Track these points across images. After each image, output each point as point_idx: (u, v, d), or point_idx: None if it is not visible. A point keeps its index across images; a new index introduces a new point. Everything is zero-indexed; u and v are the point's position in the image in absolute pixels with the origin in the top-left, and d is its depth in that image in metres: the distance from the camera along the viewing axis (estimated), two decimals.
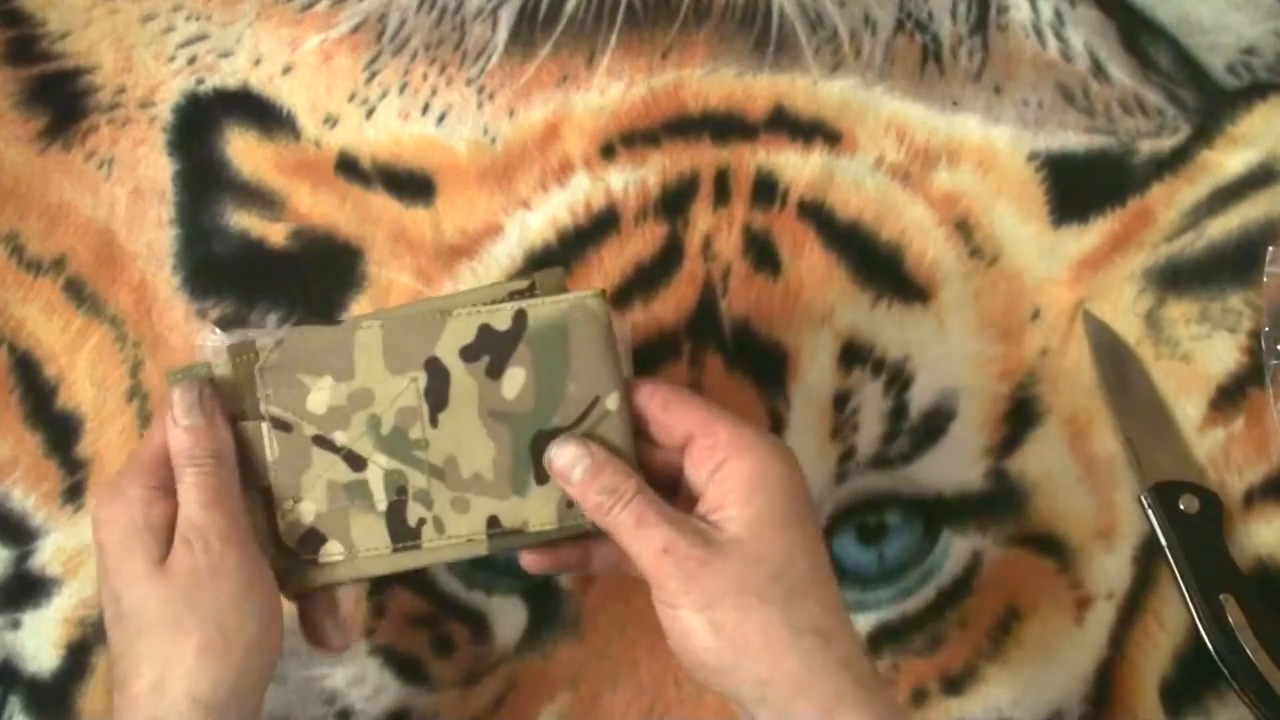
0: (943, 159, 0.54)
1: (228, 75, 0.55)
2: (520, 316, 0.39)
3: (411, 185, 0.54)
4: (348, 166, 0.54)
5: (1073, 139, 0.54)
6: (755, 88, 0.55)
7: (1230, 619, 0.48)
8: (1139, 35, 0.55)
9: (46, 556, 0.50)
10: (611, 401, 0.40)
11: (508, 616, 0.50)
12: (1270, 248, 0.52)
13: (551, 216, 0.53)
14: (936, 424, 0.51)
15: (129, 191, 0.54)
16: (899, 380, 0.51)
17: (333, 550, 0.41)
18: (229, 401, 0.41)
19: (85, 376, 0.52)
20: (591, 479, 0.39)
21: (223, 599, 0.38)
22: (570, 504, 0.40)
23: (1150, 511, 0.50)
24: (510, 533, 0.40)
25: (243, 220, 0.54)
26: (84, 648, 0.49)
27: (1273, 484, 0.51)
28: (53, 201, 0.54)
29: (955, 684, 0.49)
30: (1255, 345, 0.52)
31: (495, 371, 0.40)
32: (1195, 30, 0.55)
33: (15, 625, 0.50)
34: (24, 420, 0.51)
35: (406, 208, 0.54)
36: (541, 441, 0.40)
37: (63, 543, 0.50)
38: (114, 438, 0.51)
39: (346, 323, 0.40)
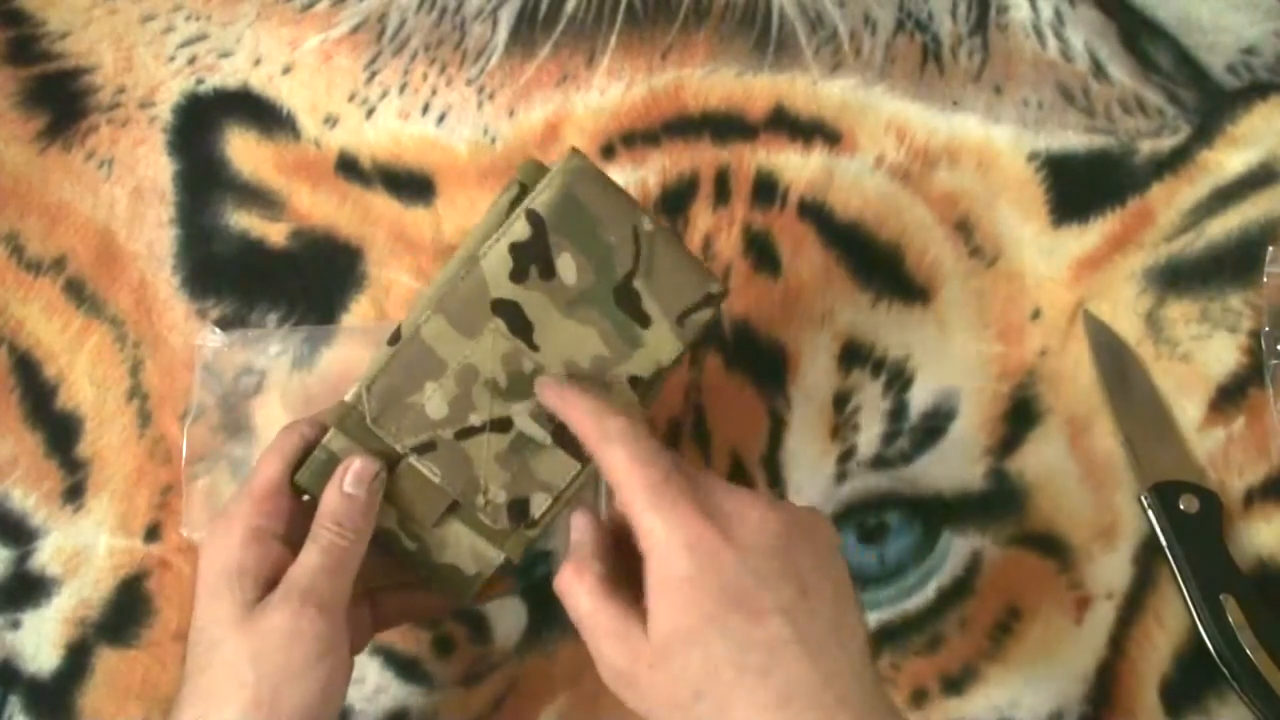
0: (943, 159, 0.54)
1: (228, 75, 0.55)
2: (533, 216, 0.40)
3: (411, 185, 0.54)
4: (348, 166, 0.54)
5: (1073, 139, 0.54)
6: (755, 88, 0.55)
7: (1230, 619, 0.48)
8: (1139, 35, 0.55)
9: (46, 556, 0.50)
10: (646, 223, 0.40)
11: (508, 616, 0.50)
12: (1270, 248, 0.52)
13: None
14: (936, 424, 0.51)
15: (129, 191, 0.54)
16: (899, 380, 0.51)
17: (539, 502, 0.43)
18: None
19: (85, 376, 0.52)
20: (574, 538, 0.39)
21: (291, 664, 0.38)
22: (681, 319, 0.41)
23: (1150, 511, 0.50)
24: (653, 378, 0.42)
25: (243, 220, 0.54)
26: (84, 648, 0.49)
27: (1273, 484, 0.51)
28: (53, 201, 0.54)
29: (955, 684, 0.49)
30: (1255, 345, 0.52)
31: (548, 272, 0.40)
32: (1195, 30, 0.56)
33: (15, 625, 0.50)
34: (24, 420, 0.51)
35: (406, 208, 0.54)
36: (623, 294, 0.41)
37: (63, 543, 0.50)
38: (114, 438, 0.51)
39: (407, 335, 0.41)
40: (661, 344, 0.41)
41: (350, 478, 0.41)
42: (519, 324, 0.41)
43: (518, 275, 0.40)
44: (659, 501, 0.35)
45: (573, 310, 0.41)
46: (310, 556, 0.39)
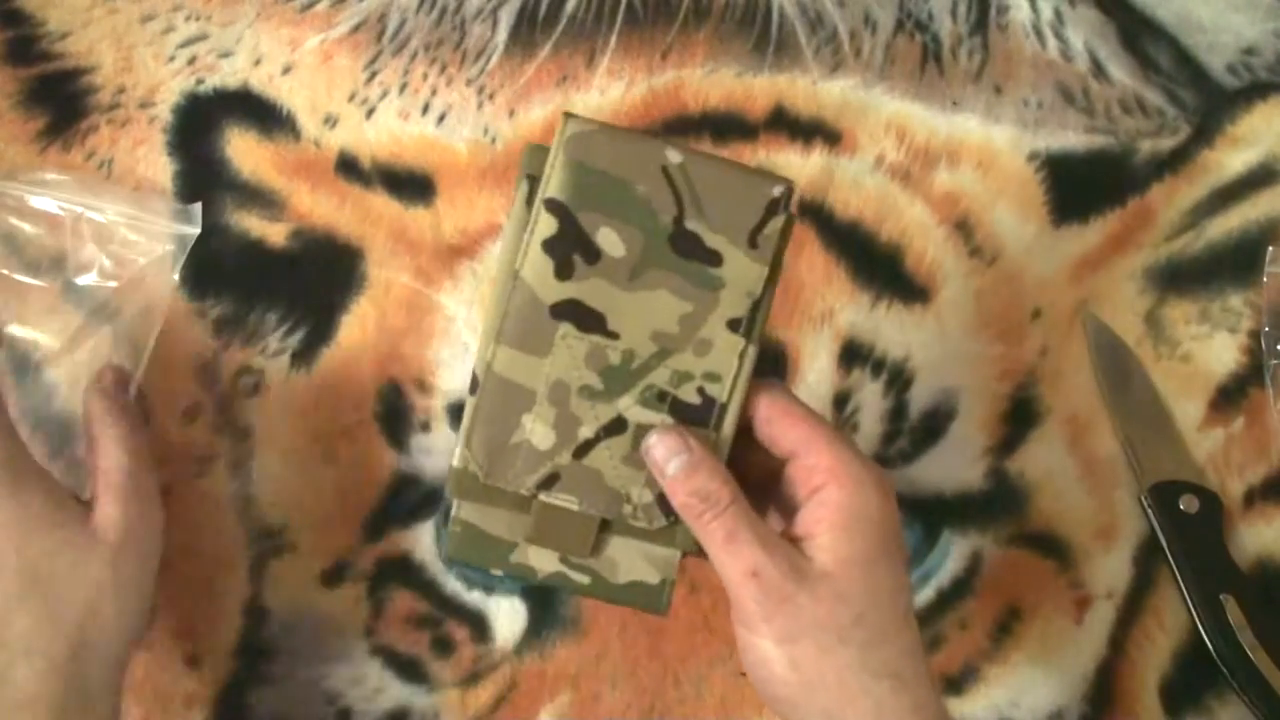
0: (943, 159, 0.54)
1: (228, 75, 0.55)
2: (552, 205, 0.37)
3: (411, 185, 0.54)
4: (348, 166, 0.54)
5: (1073, 139, 0.54)
6: (755, 88, 0.55)
7: (1230, 619, 0.48)
8: (1139, 35, 0.55)
9: None
10: (672, 155, 0.37)
11: (508, 616, 0.50)
12: (1270, 248, 0.53)
13: None
14: (936, 424, 0.51)
15: (129, 191, 0.54)
16: (899, 380, 0.51)
17: None
18: (499, 520, 0.39)
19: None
20: (686, 477, 0.37)
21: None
22: (752, 240, 0.37)
23: (1150, 511, 0.50)
24: (753, 314, 0.38)
25: (243, 220, 0.54)
26: None
27: (1273, 484, 0.51)
28: None
29: (955, 684, 0.49)
30: (1255, 345, 0.52)
31: (593, 255, 0.37)
32: (1195, 30, 0.56)
33: None
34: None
35: (406, 208, 0.54)
36: (680, 241, 0.37)
37: None
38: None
39: (481, 379, 0.38)
40: (743, 275, 0.38)
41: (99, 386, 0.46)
42: (587, 320, 0.37)
43: (563, 271, 0.37)
44: (846, 443, 0.38)
45: (636, 281, 0.37)
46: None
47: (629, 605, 0.41)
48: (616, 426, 0.38)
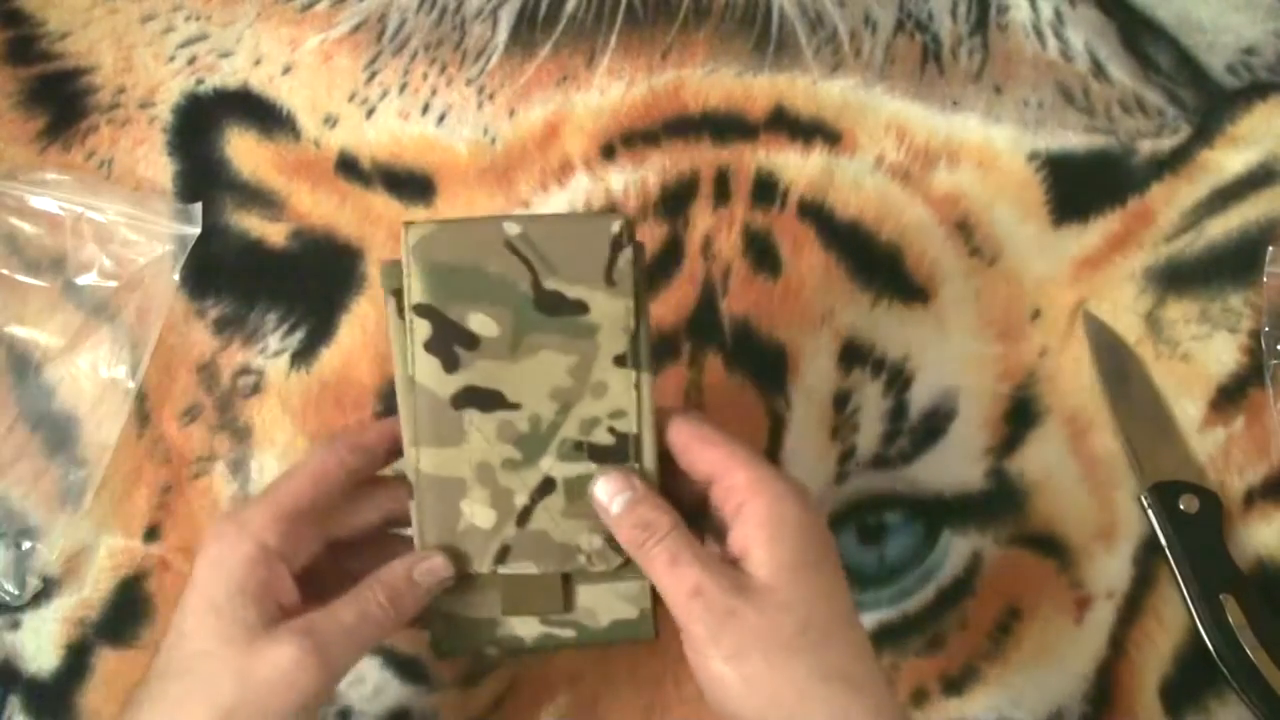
0: (943, 159, 0.54)
1: (228, 75, 0.55)
2: (420, 309, 0.39)
3: (411, 185, 0.54)
4: (348, 166, 0.54)
5: (1073, 139, 0.54)
6: (755, 88, 0.55)
7: (1230, 619, 0.48)
8: (1139, 35, 0.55)
9: (46, 556, 0.50)
10: (510, 228, 0.39)
11: None
12: (1270, 248, 0.52)
13: None
14: (936, 424, 0.51)
15: (129, 191, 0.54)
16: (899, 380, 0.51)
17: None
18: (473, 604, 0.42)
19: (85, 377, 0.52)
20: (628, 511, 0.39)
21: (274, 706, 0.36)
22: (608, 279, 0.39)
23: (1150, 511, 0.50)
24: (634, 345, 0.40)
25: (243, 220, 0.54)
26: (83, 648, 0.49)
27: (1273, 484, 0.51)
28: None
29: (955, 684, 0.49)
30: (1255, 345, 0.52)
31: (472, 342, 0.39)
32: (1195, 30, 0.56)
33: (15, 625, 0.50)
34: (23, 420, 0.51)
35: (406, 208, 0.54)
36: (544, 302, 0.39)
37: (63, 543, 0.50)
38: (113, 438, 0.51)
39: (413, 483, 0.40)
40: (612, 314, 0.39)
41: (424, 568, 0.40)
42: (486, 400, 0.40)
43: (450, 364, 0.39)
44: (760, 460, 0.38)
45: (518, 351, 0.39)
46: (343, 613, 0.38)
47: (621, 642, 0.42)
48: (546, 487, 0.40)
